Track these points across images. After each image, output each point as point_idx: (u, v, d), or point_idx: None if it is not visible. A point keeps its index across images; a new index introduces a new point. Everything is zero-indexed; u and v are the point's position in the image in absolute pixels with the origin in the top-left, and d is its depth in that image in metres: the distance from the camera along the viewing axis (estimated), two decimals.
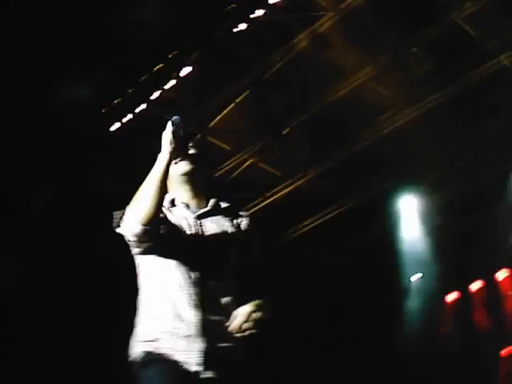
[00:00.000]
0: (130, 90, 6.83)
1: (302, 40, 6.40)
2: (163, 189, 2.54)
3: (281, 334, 6.49)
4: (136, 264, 2.71)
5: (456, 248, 9.49)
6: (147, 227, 2.49)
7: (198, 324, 2.54)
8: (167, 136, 2.55)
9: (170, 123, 2.56)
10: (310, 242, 8.77)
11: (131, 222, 2.50)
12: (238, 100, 7.43)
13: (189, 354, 2.51)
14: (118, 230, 2.57)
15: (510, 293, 10.39)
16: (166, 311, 2.55)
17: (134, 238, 2.53)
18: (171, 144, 2.54)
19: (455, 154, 8.07)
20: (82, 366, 6.70)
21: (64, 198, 6.68)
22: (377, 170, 8.12)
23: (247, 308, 2.51)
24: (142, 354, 2.52)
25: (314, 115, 7.46)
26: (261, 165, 8.24)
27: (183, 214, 2.69)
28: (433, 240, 9.35)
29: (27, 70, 5.87)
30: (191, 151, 2.72)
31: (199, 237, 2.65)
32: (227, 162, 7.94)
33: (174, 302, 2.56)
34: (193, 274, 2.59)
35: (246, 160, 8.04)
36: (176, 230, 2.63)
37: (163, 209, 2.61)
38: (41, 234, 6.65)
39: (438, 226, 9.13)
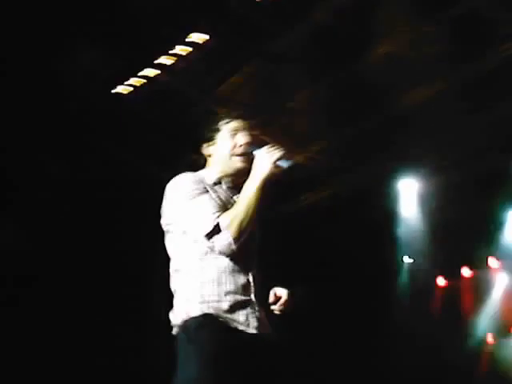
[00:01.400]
0: (141, 55, 6.78)
1: (318, 14, 6.33)
2: (256, 209, 2.74)
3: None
4: (172, 233, 2.89)
5: (450, 233, 9.56)
6: (240, 243, 2.71)
7: (252, 289, 2.78)
8: (271, 159, 2.79)
9: (278, 152, 2.80)
10: (306, 218, 8.80)
11: (229, 241, 2.69)
12: (245, 70, 7.37)
13: (247, 317, 2.71)
14: (206, 241, 2.72)
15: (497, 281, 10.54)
16: (222, 275, 2.74)
17: (225, 253, 2.72)
18: (270, 171, 2.77)
19: (459, 139, 8.07)
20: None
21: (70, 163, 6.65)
22: (379, 151, 8.11)
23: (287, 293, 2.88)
24: (201, 315, 2.66)
25: (320, 92, 7.44)
26: (262, 137, 8.21)
27: (227, 194, 2.94)
28: (429, 223, 9.40)
29: (30, 38, 5.79)
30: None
31: None
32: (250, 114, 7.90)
33: (226, 267, 2.75)
34: (240, 246, 2.74)
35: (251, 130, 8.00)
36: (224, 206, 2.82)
37: (208, 187, 2.85)
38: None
39: (436, 209, 9.16)
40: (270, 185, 2.81)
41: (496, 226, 9.65)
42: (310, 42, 6.57)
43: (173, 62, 6.61)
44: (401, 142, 8.00)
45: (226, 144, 2.96)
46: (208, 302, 2.69)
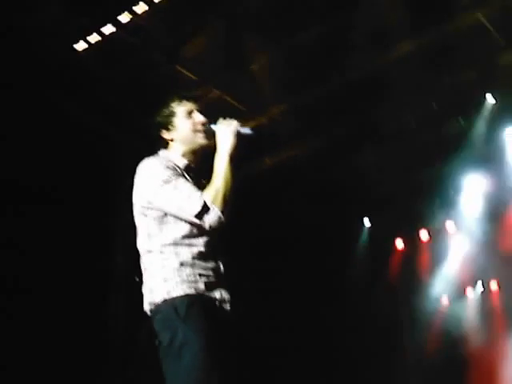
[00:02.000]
0: (98, 11, 6.66)
1: None
2: (231, 181, 2.91)
3: None
4: (145, 216, 2.98)
5: (409, 196, 9.70)
6: (225, 217, 2.88)
7: (221, 271, 2.98)
8: (232, 131, 2.96)
9: (235, 122, 2.98)
10: (270, 180, 8.84)
11: (218, 215, 2.85)
12: (208, 30, 7.31)
13: (221, 294, 2.93)
14: (196, 221, 2.86)
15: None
16: (195, 259, 2.92)
17: (216, 227, 2.88)
18: (234, 142, 2.94)
19: (419, 103, 8.16)
20: None
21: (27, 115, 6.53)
22: (341, 114, 8.15)
23: None
24: (186, 295, 2.84)
25: (284, 52, 7.42)
26: (226, 98, 8.20)
27: (196, 178, 3.07)
28: (388, 187, 9.52)
29: None
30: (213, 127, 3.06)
31: None
32: (193, 92, 7.86)
33: (198, 252, 2.93)
34: (210, 232, 2.93)
35: (211, 91, 7.99)
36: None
37: (180, 170, 2.99)
38: None
39: (397, 173, 9.26)
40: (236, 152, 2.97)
41: (454, 189, 9.81)
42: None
43: (132, 20, 6.50)
44: (362, 105, 8.06)
45: (185, 124, 3.10)
46: (188, 282, 2.86)
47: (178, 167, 3.00)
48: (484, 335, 10.78)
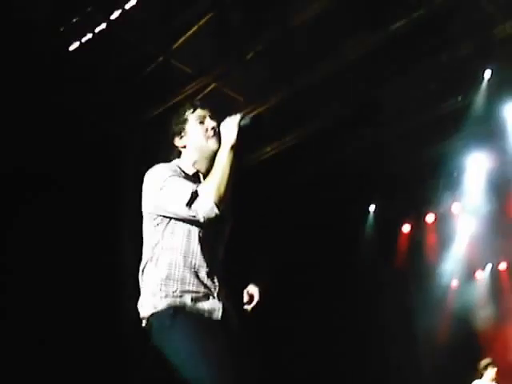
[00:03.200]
0: (89, 9, 6.66)
1: None
2: (231, 174, 2.84)
3: None
4: (150, 224, 2.97)
5: (413, 179, 9.66)
6: (220, 210, 2.79)
7: (215, 283, 2.93)
8: (234, 125, 2.89)
9: (238, 115, 2.92)
10: (270, 168, 8.82)
11: (211, 205, 2.77)
12: (201, 22, 7.29)
13: (211, 306, 2.89)
14: (188, 211, 2.80)
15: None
16: (187, 274, 2.89)
17: (208, 220, 2.80)
18: (235, 134, 2.87)
19: (419, 84, 8.13)
20: None
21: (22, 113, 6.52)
22: (341, 97, 8.13)
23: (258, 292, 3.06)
24: (170, 307, 2.84)
25: (278, 41, 7.39)
26: (223, 89, 8.18)
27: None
28: (391, 171, 9.49)
29: None
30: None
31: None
32: (189, 86, 7.85)
33: (193, 266, 2.90)
34: (209, 244, 2.94)
35: (208, 84, 7.96)
36: None
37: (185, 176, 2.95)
38: None
39: (398, 157, 9.22)
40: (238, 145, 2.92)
41: (457, 170, 9.77)
42: None
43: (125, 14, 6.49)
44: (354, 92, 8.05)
45: (197, 131, 3.08)
46: (173, 297, 2.86)
47: (187, 175, 2.99)
48: (495, 315, 10.74)
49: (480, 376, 7.70)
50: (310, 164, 9.09)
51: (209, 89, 8.01)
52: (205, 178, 2.96)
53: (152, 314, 2.88)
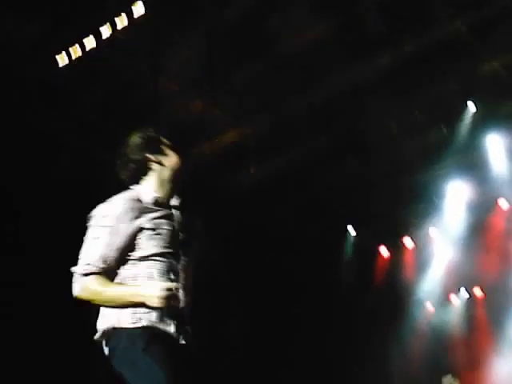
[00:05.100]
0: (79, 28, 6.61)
1: None
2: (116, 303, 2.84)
3: None
4: None
5: (393, 204, 9.71)
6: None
7: (182, 307, 2.90)
8: (161, 292, 2.75)
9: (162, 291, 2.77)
10: (253, 191, 8.83)
11: (76, 294, 2.87)
12: (190, 44, 7.28)
13: (177, 328, 2.85)
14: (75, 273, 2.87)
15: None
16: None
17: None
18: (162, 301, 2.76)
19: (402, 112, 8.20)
20: None
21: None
22: (324, 125, 8.16)
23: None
24: (139, 327, 2.79)
25: (266, 63, 7.42)
26: (210, 109, 8.18)
27: (164, 213, 3.01)
28: (372, 195, 9.53)
29: None
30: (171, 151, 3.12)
31: (178, 232, 3.02)
32: (176, 104, 7.84)
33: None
34: (173, 264, 2.94)
35: (195, 103, 7.96)
36: (159, 227, 2.95)
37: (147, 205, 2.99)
38: None
39: (381, 182, 9.26)
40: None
41: (437, 197, 9.84)
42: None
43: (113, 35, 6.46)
44: (346, 116, 8.08)
45: (154, 159, 3.11)
46: (140, 313, 2.81)
47: (146, 202, 2.98)
48: (469, 341, 10.85)
49: None
50: (291, 188, 9.09)
51: (195, 108, 8.02)
52: (164, 203, 3.02)
53: (118, 330, 2.82)
